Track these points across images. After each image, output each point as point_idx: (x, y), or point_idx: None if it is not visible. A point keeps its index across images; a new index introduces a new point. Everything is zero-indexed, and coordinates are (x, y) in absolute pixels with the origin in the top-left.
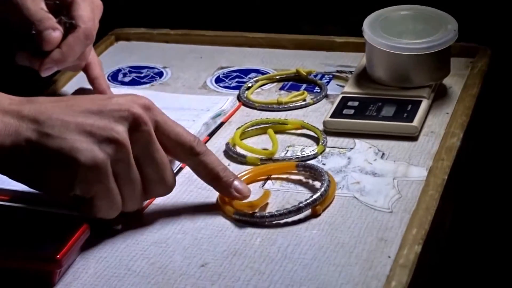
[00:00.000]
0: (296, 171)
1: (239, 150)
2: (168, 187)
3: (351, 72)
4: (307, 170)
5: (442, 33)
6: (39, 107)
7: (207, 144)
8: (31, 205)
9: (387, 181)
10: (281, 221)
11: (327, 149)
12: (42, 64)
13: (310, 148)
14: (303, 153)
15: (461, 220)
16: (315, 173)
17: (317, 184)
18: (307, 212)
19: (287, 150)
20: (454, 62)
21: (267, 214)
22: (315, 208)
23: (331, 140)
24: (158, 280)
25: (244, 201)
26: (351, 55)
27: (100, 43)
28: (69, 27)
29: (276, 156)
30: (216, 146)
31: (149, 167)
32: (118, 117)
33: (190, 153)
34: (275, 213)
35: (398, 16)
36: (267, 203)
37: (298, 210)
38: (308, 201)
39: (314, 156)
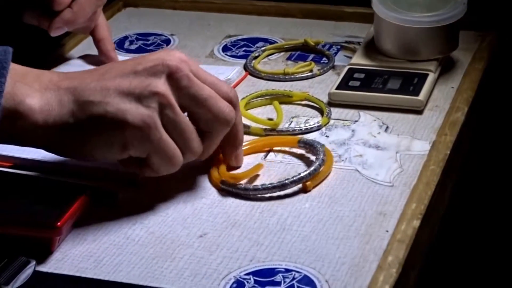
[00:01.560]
0: (297, 146)
1: (243, 120)
2: (226, 121)
3: (359, 43)
4: (307, 146)
5: (452, 6)
6: (76, 80)
7: None
8: (33, 172)
9: (389, 154)
10: (266, 195)
11: (332, 121)
12: (51, 24)
13: (314, 120)
14: (307, 124)
15: (462, 196)
16: (313, 150)
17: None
18: (298, 187)
19: (291, 121)
20: (463, 35)
21: (251, 187)
22: (305, 184)
23: (336, 112)
24: (157, 250)
25: (232, 172)
26: (361, 25)
27: (108, 9)
28: None
29: (280, 127)
30: None
31: (198, 105)
32: (154, 71)
33: (222, 124)
34: (259, 186)
35: None
36: (257, 175)
37: (283, 186)
38: (294, 178)
39: (318, 128)
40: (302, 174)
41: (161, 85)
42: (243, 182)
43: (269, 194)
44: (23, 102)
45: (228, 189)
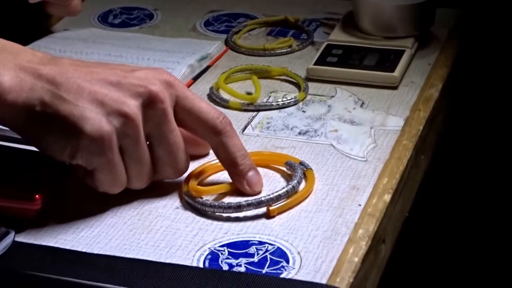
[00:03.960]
0: (284, 166)
1: (222, 94)
2: (178, 171)
3: (338, 20)
4: (291, 169)
5: None
6: (59, 69)
7: (191, 88)
8: (15, 143)
9: (364, 130)
10: (224, 215)
11: (309, 96)
12: None
13: (292, 95)
14: (284, 99)
15: (436, 172)
16: (294, 174)
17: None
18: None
19: (270, 96)
20: (439, 12)
21: (208, 202)
22: (269, 210)
23: (314, 87)
24: (134, 221)
25: (201, 185)
26: (340, 2)
27: None
28: None
29: (258, 101)
30: (200, 90)
31: (160, 147)
32: (134, 92)
33: (211, 131)
34: (215, 203)
35: None
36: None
37: (238, 207)
38: (252, 201)
39: (295, 103)
40: (262, 198)
41: (134, 108)
42: (208, 197)
43: (227, 214)
44: None
45: (189, 202)
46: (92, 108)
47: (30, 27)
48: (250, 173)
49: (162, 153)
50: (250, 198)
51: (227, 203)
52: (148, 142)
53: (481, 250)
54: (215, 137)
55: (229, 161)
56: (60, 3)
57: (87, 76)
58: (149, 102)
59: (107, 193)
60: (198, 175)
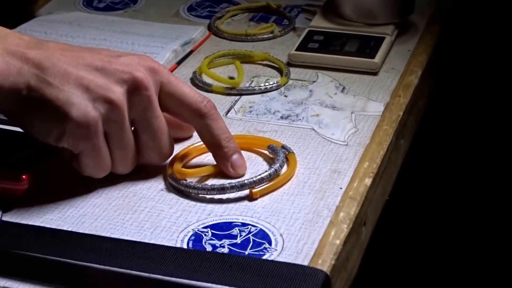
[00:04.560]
0: (266, 149)
1: (205, 78)
2: (162, 156)
3: (320, 6)
4: (273, 153)
5: None
6: (45, 53)
7: (175, 72)
8: (5, 125)
9: (345, 114)
10: (207, 196)
11: (291, 81)
12: None
13: (274, 80)
14: (266, 84)
15: (417, 157)
16: (276, 157)
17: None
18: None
19: (252, 81)
20: (419, 0)
21: (192, 184)
22: (252, 192)
23: (295, 72)
24: (119, 202)
25: (185, 167)
26: None
27: None
28: None
29: (241, 86)
30: (184, 74)
31: (145, 133)
32: (119, 78)
33: (195, 114)
34: (199, 185)
35: None
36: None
37: (222, 189)
38: (235, 183)
39: (277, 87)
40: (245, 181)
41: (119, 95)
42: (192, 179)
43: (210, 195)
44: None
45: (173, 184)
46: (78, 93)
47: (15, 11)
48: (235, 156)
49: (146, 138)
50: (233, 181)
51: (211, 185)
52: (133, 128)
53: (459, 232)
54: (199, 120)
55: (213, 144)
56: None
57: (73, 61)
58: (134, 89)
59: (91, 177)
60: (182, 157)
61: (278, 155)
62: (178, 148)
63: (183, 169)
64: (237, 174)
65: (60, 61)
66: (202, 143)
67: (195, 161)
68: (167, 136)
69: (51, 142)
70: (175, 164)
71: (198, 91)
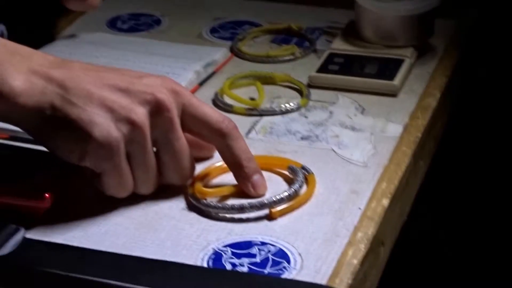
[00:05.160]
0: (286, 170)
1: (226, 99)
2: (183, 177)
3: (340, 28)
4: (293, 174)
5: None
6: (69, 73)
7: (197, 93)
8: (28, 144)
9: (364, 136)
10: (227, 216)
11: (311, 103)
12: None
13: (294, 101)
14: (287, 105)
15: (435, 177)
16: (295, 178)
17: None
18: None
19: (273, 102)
20: (440, 22)
21: (213, 203)
22: (272, 211)
23: (316, 94)
24: (141, 221)
25: (206, 187)
26: (342, 12)
27: None
28: None
29: (262, 107)
30: (205, 95)
31: (167, 154)
32: (142, 99)
33: (216, 134)
34: (219, 205)
35: None
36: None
37: (242, 209)
38: (255, 203)
39: (298, 109)
40: (265, 201)
41: (141, 116)
42: (212, 198)
43: (230, 215)
44: (5, 82)
45: (193, 203)
46: (101, 113)
47: (40, 32)
48: (255, 177)
49: (168, 159)
50: (253, 200)
51: (231, 205)
52: (154, 149)
53: (478, 252)
54: (221, 140)
55: (234, 164)
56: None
57: (96, 81)
58: (156, 110)
59: (114, 196)
60: (202, 177)
61: (298, 176)
62: (199, 168)
63: (203, 188)
64: (258, 194)
65: (83, 81)
66: (222, 163)
67: (215, 181)
68: (189, 158)
69: (74, 161)
70: (196, 184)
71: (220, 111)
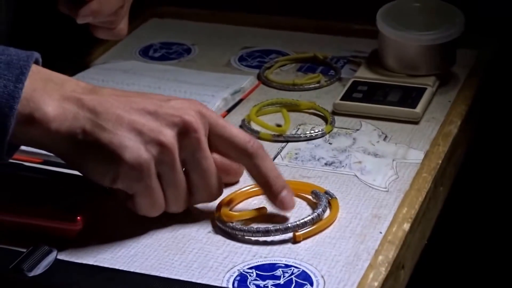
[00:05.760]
0: (310, 194)
1: (253, 125)
2: (212, 195)
3: (364, 57)
4: (316, 198)
5: (449, 25)
6: (99, 99)
7: (225, 119)
8: (61, 168)
9: (386, 162)
10: (252, 238)
11: (335, 129)
12: (79, 11)
13: (319, 127)
14: (312, 131)
15: (455, 203)
16: (319, 202)
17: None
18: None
19: (298, 128)
20: (461, 52)
21: (238, 227)
22: (296, 235)
23: (340, 121)
24: (169, 243)
25: (232, 211)
26: (367, 41)
27: (136, 19)
28: None
29: (288, 133)
30: (233, 121)
31: (195, 173)
32: (170, 122)
33: (243, 154)
34: (245, 228)
35: (410, 7)
36: (264, 215)
37: (267, 232)
38: (280, 226)
39: (322, 135)
40: (289, 224)
41: (170, 138)
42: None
43: (255, 238)
44: (39, 109)
45: (220, 226)
46: (131, 136)
47: (74, 60)
48: (283, 193)
49: (197, 178)
50: (277, 224)
51: (256, 228)
52: (184, 169)
53: (498, 276)
54: (247, 160)
55: (262, 182)
56: (106, 26)
57: (126, 106)
58: (184, 131)
59: (146, 216)
60: (228, 202)
61: (321, 200)
62: (225, 194)
63: (230, 212)
64: (286, 209)
65: (113, 106)
66: (247, 188)
67: (241, 205)
68: (216, 176)
69: (107, 184)
70: (222, 208)
71: (248, 134)
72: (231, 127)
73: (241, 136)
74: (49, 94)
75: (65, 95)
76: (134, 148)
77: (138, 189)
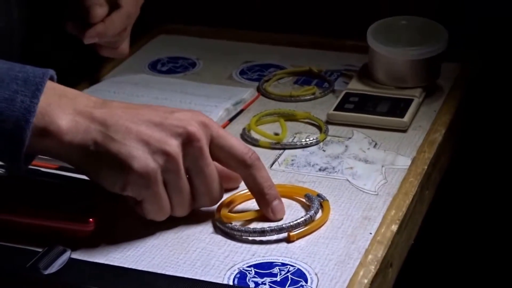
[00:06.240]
0: (303, 197)
1: (253, 134)
2: (214, 199)
3: (356, 71)
4: (309, 201)
5: (434, 41)
6: (109, 112)
7: (227, 128)
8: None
9: (376, 167)
10: (250, 238)
11: (329, 137)
12: (86, 33)
13: (314, 136)
14: (307, 139)
15: (440, 207)
16: (312, 204)
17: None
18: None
19: (295, 137)
20: (446, 65)
21: (237, 227)
22: (290, 235)
23: (333, 130)
24: (174, 243)
25: (231, 212)
26: (358, 56)
27: (144, 35)
28: (114, 6)
29: (284, 141)
30: (234, 130)
31: (198, 179)
32: (174, 132)
33: (241, 164)
34: (243, 228)
35: (398, 25)
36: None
37: (263, 232)
38: (274, 227)
39: (317, 143)
40: (283, 225)
41: (175, 147)
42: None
43: (252, 237)
44: (53, 122)
45: (219, 227)
46: (139, 147)
47: (87, 75)
48: (275, 202)
49: (199, 184)
50: (272, 225)
51: (253, 228)
52: (187, 175)
53: (481, 275)
54: (245, 170)
55: (257, 191)
56: (110, 45)
57: (134, 118)
58: (188, 141)
59: (154, 220)
60: (228, 204)
61: (313, 203)
62: (225, 196)
63: (229, 213)
64: (276, 218)
65: (122, 118)
66: (245, 191)
67: (239, 207)
68: (218, 182)
69: (117, 191)
70: (222, 210)
71: (246, 145)
72: (232, 138)
73: (240, 148)
74: (63, 108)
75: (77, 109)
76: (142, 158)
77: (146, 195)
